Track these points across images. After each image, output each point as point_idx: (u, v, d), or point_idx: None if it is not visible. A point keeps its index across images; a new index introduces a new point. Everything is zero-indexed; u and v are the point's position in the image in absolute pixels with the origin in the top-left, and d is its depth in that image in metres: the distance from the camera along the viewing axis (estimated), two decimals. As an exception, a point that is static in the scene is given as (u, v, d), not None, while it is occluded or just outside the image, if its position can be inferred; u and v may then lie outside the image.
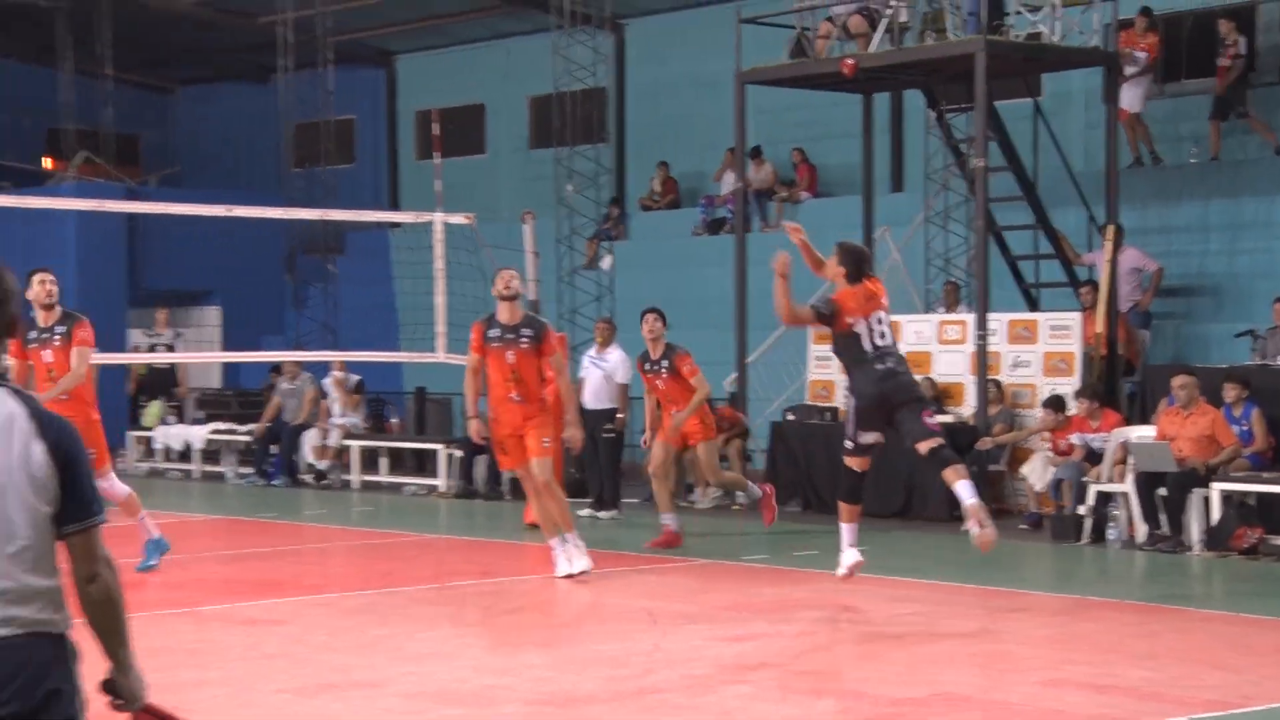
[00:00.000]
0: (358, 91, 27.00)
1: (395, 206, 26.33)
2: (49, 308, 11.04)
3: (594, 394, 15.35)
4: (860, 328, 9.93)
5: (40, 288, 10.97)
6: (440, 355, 15.87)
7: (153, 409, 21.92)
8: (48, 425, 3.68)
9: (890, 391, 9.94)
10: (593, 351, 15.74)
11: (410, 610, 10.44)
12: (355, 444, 19.69)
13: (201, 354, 25.08)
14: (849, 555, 10.50)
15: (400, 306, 22.71)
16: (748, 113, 17.31)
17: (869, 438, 10.15)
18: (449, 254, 16.00)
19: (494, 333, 11.11)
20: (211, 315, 26.43)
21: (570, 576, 11.15)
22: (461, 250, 16.59)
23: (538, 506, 11.50)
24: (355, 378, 20.15)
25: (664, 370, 13.29)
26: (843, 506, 10.55)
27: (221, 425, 21.04)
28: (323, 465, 19.68)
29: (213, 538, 15.15)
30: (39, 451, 3.62)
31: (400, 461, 20.10)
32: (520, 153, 26.03)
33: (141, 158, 29.57)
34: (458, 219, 15.79)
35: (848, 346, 10.04)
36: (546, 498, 11.20)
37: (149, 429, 21.65)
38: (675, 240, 22.92)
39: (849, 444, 10.25)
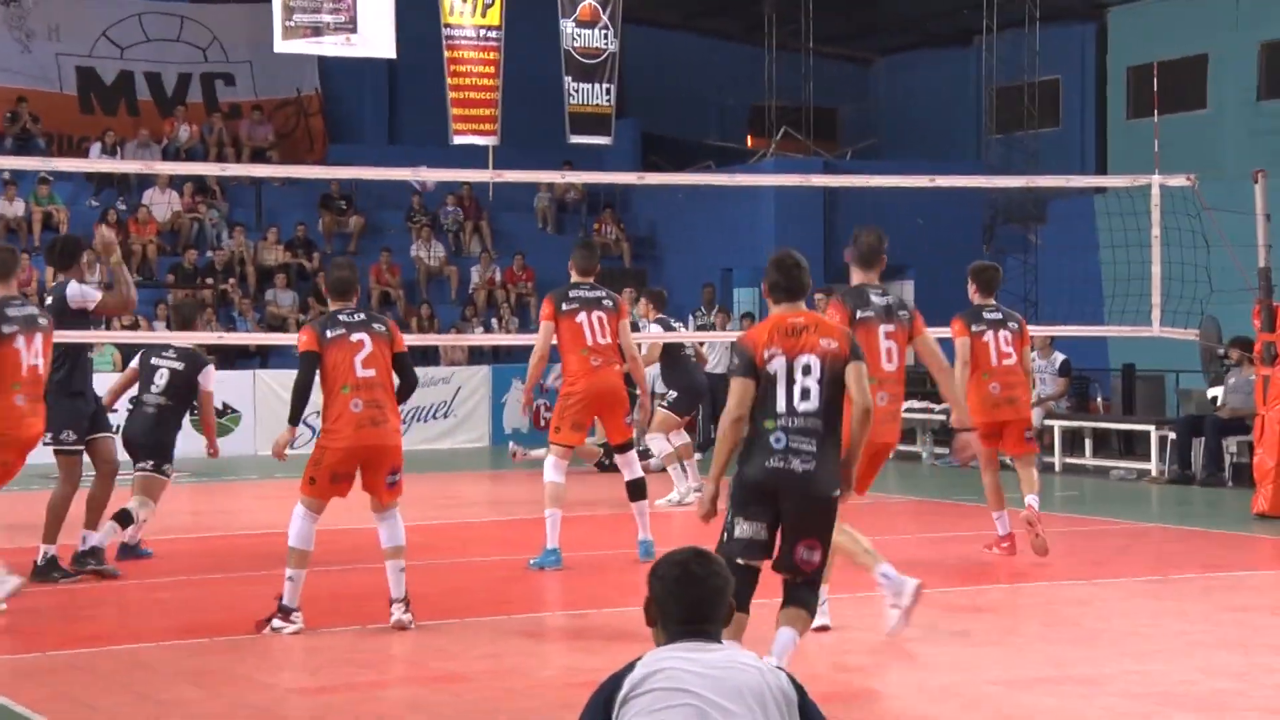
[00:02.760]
0: (1064, 50, 26.44)
1: (1102, 170, 25.50)
2: None
3: None
4: None
5: None
6: (1155, 329, 15.11)
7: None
8: None
9: None
10: None
11: (1129, 603, 10.06)
12: (1057, 424, 19.21)
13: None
14: None
15: (1105, 277, 21.95)
16: None
17: None
18: (1165, 219, 15.17)
19: None
20: (906, 290, 26.57)
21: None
22: (1180, 215, 15.71)
23: None
24: (1060, 355, 19.60)
25: None
26: None
27: (916, 404, 21.00)
28: (1024, 445, 19.30)
29: (909, 519, 15.15)
30: None
31: (1105, 443, 19.45)
32: (1248, 106, 24.47)
33: (840, 131, 30.30)
34: (1178, 180, 14.95)
35: None
36: None
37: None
38: None
39: None
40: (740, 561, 6.91)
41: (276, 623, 8.78)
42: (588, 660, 8.20)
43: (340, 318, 8.90)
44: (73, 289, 10.85)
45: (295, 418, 8.91)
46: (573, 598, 10.46)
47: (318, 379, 8.89)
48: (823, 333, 7.17)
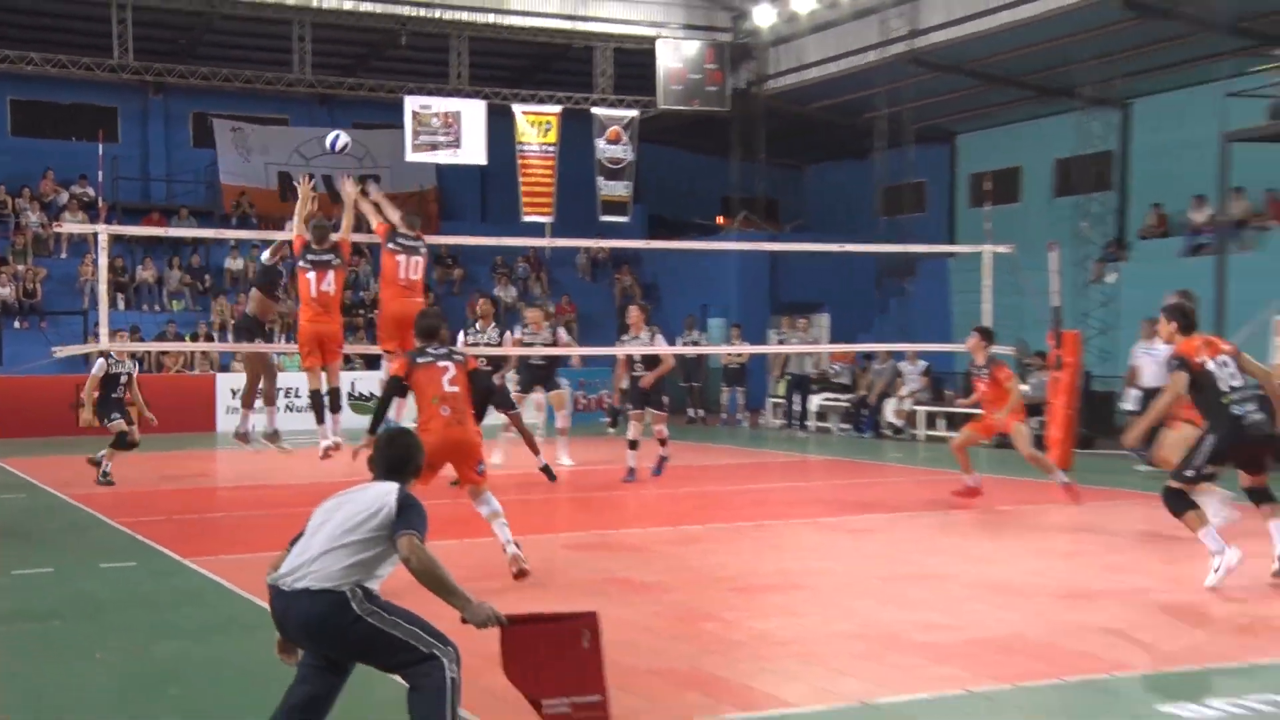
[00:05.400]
0: (929, 162, 26.59)
1: (953, 242, 25.76)
2: None
3: (1153, 377, 13.71)
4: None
5: None
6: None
7: (782, 384, 22.57)
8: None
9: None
10: (1142, 344, 14.64)
11: (969, 528, 10.12)
12: (921, 409, 19.50)
13: (812, 346, 25.40)
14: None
15: (954, 312, 22.33)
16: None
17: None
18: (995, 275, 15.48)
19: None
20: (823, 319, 26.82)
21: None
22: (1003, 273, 16.02)
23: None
24: (923, 363, 19.97)
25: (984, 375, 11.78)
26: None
27: (829, 395, 21.37)
28: (899, 423, 19.64)
29: (826, 471, 15.43)
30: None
31: (956, 422, 19.69)
32: (1046, 201, 24.80)
33: (780, 214, 30.43)
34: (1003, 249, 15.21)
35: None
36: None
37: (781, 397, 22.31)
38: (1165, 261, 21.09)
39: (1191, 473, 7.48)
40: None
41: None
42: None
43: None
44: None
45: None
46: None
47: None
48: (1216, 345, 7.58)
